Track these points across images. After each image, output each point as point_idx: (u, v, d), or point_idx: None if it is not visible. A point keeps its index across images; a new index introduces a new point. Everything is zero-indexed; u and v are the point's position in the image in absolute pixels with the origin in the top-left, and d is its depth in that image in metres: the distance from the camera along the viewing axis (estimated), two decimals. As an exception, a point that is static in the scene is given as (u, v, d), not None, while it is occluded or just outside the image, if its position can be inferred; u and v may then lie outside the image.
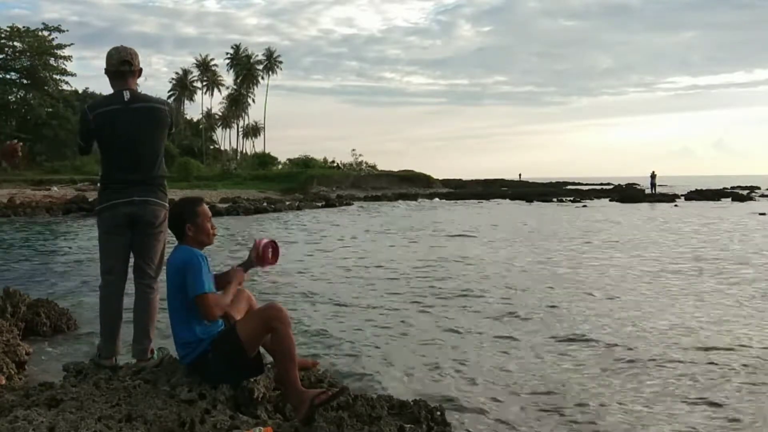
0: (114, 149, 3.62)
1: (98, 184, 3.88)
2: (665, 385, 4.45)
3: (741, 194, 42.23)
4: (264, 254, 3.42)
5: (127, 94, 3.63)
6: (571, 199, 40.60)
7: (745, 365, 4.87)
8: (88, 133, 3.66)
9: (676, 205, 34.13)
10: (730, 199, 39.57)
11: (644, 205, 34.19)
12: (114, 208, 3.62)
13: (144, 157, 3.65)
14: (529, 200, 39.14)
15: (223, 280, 3.35)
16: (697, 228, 18.87)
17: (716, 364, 4.92)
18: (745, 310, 6.97)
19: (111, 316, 3.75)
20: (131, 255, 3.80)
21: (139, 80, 3.88)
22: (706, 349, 5.33)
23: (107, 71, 3.71)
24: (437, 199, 41.71)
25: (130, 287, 3.82)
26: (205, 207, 3.35)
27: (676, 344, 5.48)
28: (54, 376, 3.87)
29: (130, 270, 3.83)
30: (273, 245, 3.47)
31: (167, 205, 3.75)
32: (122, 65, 3.66)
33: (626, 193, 44.94)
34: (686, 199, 39.40)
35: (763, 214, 25.16)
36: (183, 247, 3.25)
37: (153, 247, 3.76)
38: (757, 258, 11.48)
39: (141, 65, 3.77)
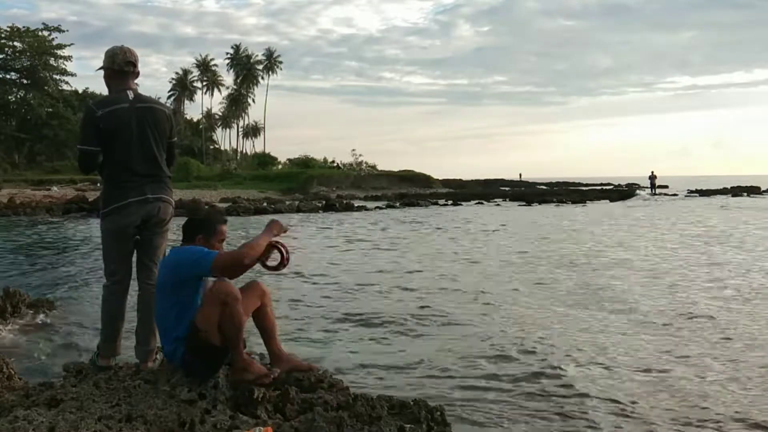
0: (124, 147, 3.59)
1: (100, 185, 3.85)
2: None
3: (740, 193, 44.51)
4: (266, 253, 3.28)
5: (131, 94, 3.67)
6: (572, 200, 40.45)
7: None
8: (96, 132, 3.55)
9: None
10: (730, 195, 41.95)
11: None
12: (127, 209, 3.58)
13: (152, 155, 3.67)
14: (529, 202, 38.80)
15: None
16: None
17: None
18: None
19: (114, 316, 3.72)
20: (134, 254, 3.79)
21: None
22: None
23: (110, 69, 3.71)
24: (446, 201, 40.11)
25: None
26: (225, 228, 3.35)
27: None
28: (54, 376, 3.87)
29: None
30: (282, 250, 3.29)
31: (174, 202, 3.82)
32: (127, 65, 3.71)
33: (626, 194, 45.14)
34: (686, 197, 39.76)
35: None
36: (184, 247, 3.26)
37: (160, 246, 3.78)
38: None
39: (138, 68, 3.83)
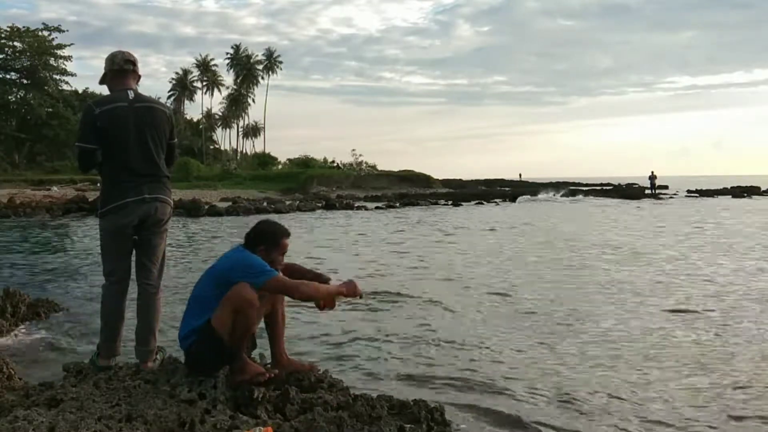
0: (122, 146, 3.59)
1: (99, 185, 3.86)
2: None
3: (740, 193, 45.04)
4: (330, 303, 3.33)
5: (130, 93, 3.67)
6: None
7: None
8: (94, 130, 3.55)
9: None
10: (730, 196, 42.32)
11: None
12: (124, 209, 3.58)
13: (151, 154, 3.67)
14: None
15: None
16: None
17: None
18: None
19: (113, 316, 3.72)
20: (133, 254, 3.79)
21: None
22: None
23: (111, 70, 3.72)
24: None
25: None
26: (287, 242, 3.39)
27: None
28: (54, 376, 3.87)
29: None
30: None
31: (172, 202, 3.84)
32: (126, 64, 3.73)
33: (626, 192, 45.35)
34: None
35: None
36: (247, 251, 3.27)
37: (158, 246, 3.78)
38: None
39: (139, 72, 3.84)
